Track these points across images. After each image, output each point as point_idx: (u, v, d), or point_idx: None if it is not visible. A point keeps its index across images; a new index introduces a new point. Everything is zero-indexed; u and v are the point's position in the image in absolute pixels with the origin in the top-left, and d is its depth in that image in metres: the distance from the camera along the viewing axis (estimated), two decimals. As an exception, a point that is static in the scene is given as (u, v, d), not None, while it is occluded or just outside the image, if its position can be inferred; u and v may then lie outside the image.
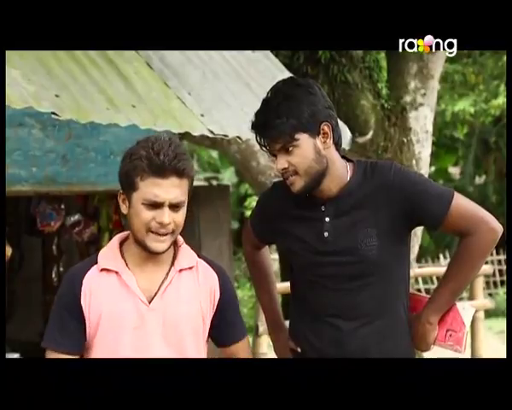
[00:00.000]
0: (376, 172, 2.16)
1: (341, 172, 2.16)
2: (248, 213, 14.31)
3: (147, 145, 1.89)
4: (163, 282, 1.94)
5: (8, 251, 4.29)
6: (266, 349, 5.58)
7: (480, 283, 7.41)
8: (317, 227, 2.15)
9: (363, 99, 5.26)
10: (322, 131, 2.11)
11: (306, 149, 2.10)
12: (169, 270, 1.95)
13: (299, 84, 2.14)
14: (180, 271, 1.96)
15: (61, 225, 4.48)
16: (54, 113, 2.85)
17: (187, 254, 1.99)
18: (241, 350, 2.04)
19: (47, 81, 3.00)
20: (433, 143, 6.35)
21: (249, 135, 3.75)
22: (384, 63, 5.69)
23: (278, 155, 2.11)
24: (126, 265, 1.94)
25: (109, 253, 1.97)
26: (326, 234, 2.14)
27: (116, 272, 1.93)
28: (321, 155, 2.11)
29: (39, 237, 4.88)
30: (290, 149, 2.09)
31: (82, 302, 1.92)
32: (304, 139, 2.09)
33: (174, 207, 1.89)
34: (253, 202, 13.66)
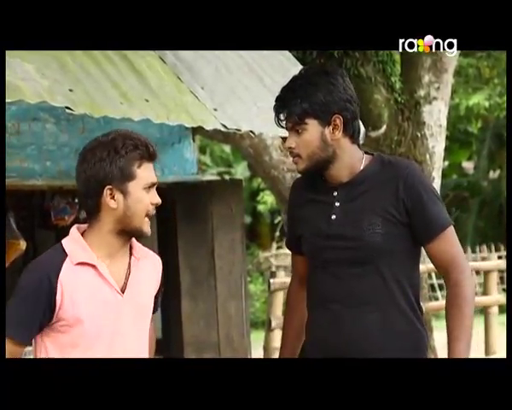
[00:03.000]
0: (392, 166, 2.20)
1: (354, 161, 2.19)
2: (261, 207, 14.33)
3: (130, 137, 1.99)
4: (128, 271, 2.03)
5: (23, 245, 4.32)
6: (279, 344, 5.58)
7: (494, 278, 7.38)
8: (326, 211, 2.19)
9: (377, 93, 5.24)
10: (333, 123, 2.14)
11: (313, 135, 2.15)
12: (129, 259, 2.04)
13: (325, 71, 2.20)
14: (138, 259, 2.06)
15: (75, 220, 4.50)
16: (68, 107, 2.86)
17: (137, 244, 2.09)
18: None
19: (61, 76, 3.01)
20: (447, 138, 6.32)
21: (262, 129, 3.76)
22: (398, 57, 5.66)
23: (289, 133, 2.19)
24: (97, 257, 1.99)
25: (78, 246, 1.99)
26: (333, 217, 2.17)
27: (92, 265, 1.97)
28: (327, 144, 2.15)
29: (53, 231, 4.90)
30: (300, 130, 2.16)
31: (57, 297, 1.93)
32: (312, 125, 2.14)
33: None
34: (265, 196, 13.65)
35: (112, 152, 1.97)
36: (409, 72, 5.44)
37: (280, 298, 5.69)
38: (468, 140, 14.51)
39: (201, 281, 4.67)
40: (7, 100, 2.70)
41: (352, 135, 2.19)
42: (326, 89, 2.14)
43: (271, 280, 5.68)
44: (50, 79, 2.97)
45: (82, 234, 2.02)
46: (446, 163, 13.44)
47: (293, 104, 2.14)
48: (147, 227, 2.00)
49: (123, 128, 2.07)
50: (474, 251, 12.46)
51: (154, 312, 2.15)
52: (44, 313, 1.94)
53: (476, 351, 6.88)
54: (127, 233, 2.00)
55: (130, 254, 2.05)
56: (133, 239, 2.06)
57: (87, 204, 2.01)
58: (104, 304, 1.97)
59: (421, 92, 5.38)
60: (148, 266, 2.09)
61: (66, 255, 1.97)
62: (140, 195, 1.98)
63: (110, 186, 1.96)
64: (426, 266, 4.41)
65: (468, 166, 15.62)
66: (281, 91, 2.20)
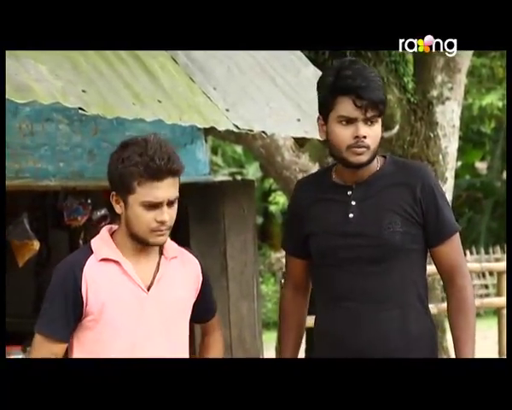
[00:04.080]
0: (408, 167, 2.23)
1: (374, 162, 2.21)
2: (273, 207, 14.33)
3: (139, 150, 1.94)
4: (157, 271, 2.02)
5: (36, 245, 4.34)
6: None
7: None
8: (343, 209, 2.18)
9: (389, 93, 5.22)
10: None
11: (380, 128, 2.17)
12: (159, 259, 2.03)
13: None
14: (169, 260, 2.04)
15: (88, 220, 4.51)
16: (81, 108, 2.87)
17: (172, 244, 2.08)
18: (216, 321, 2.20)
19: (74, 77, 3.03)
20: (460, 138, 6.29)
21: (274, 130, 3.76)
22: (410, 57, 5.64)
23: (360, 122, 2.12)
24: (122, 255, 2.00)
25: (104, 243, 2.01)
26: (351, 215, 2.17)
27: (116, 262, 1.98)
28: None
29: (66, 232, 4.92)
30: (373, 122, 2.14)
31: (83, 292, 1.96)
32: (380, 119, 2.16)
33: (170, 203, 1.97)
34: (277, 196, 13.65)
35: (119, 160, 1.96)
36: (421, 72, 5.42)
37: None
38: (481, 140, 14.43)
39: (213, 281, 4.66)
40: (21, 101, 2.72)
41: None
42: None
43: (283, 281, 5.66)
44: (63, 79, 2.98)
45: (112, 234, 2.03)
46: (459, 163, 13.36)
47: (381, 94, 2.13)
48: (155, 239, 1.96)
49: (156, 133, 2.00)
50: (487, 252, 12.39)
51: (208, 316, 2.13)
52: (74, 308, 1.96)
53: (490, 352, 6.84)
54: (136, 239, 1.99)
55: (161, 253, 2.04)
56: (163, 244, 2.03)
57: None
58: (127, 300, 1.97)
59: (434, 92, 5.36)
60: (182, 268, 2.07)
61: (92, 252, 2.00)
62: (138, 211, 1.95)
63: (114, 192, 1.99)
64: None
65: (482, 166, 15.54)
66: (357, 78, 2.11)
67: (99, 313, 1.96)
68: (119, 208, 1.99)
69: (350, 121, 2.12)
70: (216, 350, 2.16)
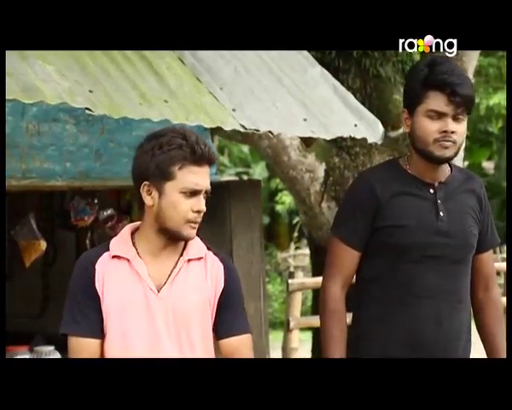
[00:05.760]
0: (470, 176, 2.33)
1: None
2: (279, 207, 14.32)
3: (180, 135, 1.90)
4: (172, 271, 1.95)
5: (43, 245, 4.35)
6: (297, 344, 5.57)
7: (514, 279, 7.30)
8: (432, 207, 2.21)
9: (396, 93, 5.20)
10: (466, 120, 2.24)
11: (465, 126, 2.22)
12: (178, 260, 1.96)
13: None
14: (189, 261, 1.97)
15: (95, 220, 4.52)
16: (87, 108, 2.87)
17: (196, 244, 2.00)
18: (240, 346, 1.98)
19: (81, 77, 3.03)
20: (467, 138, 6.27)
21: (281, 129, 3.75)
22: (417, 57, 5.62)
23: (449, 117, 2.16)
24: (138, 253, 1.95)
25: (121, 241, 1.99)
26: (441, 214, 2.21)
27: (127, 260, 1.95)
28: None
29: (73, 232, 4.93)
30: (462, 119, 2.18)
31: (96, 286, 1.94)
32: (466, 118, 2.21)
33: (206, 194, 1.93)
34: (284, 196, 13.63)
35: (156, 147, 1.90)
36: (428, 71, 5.40)
37: (298, 299, 5.68)
38: (488, 140, 14.40)
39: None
40: (28, 101, 2.72)
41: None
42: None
43: (290, 281, 5.67)
44: (70, 80, 2.98)
45: (134, 231, 1.99)
46: (466, 163, 13.33)
47: (473, 93, 2.20)
48: (188, 231, 1.90)
49: (182, 125, 1.99)
50: (494, 252, 12.35)
51: (227, 331, 1.95)
52: (95, 303, 1.92)
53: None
54: (166, 233, 1.93)
55: (182, 254, 1.97)
56: (192, 239, 1.97)
57: (138, 198, 1.98)
58: (136, 300, 1.93)
59: (441, 92, 5.34)
60: (204, 270, 1.98)
61: (109, 249, 1.98)
62: (176, 199, 1.89)
63: (147, 182, 1.93)
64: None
65: (489, 166, 15.50)
66: (453, 75, 2.17)
67: (107, 309, 1.94)
68: (149, 200, 1.92)
69: (440, 116, 2.15)
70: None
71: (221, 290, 2.00)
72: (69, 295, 1.98)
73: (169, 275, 1.95)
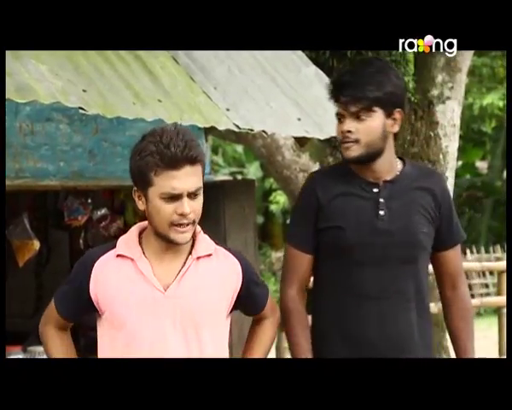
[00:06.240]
0: (427, 173, 2.31)
1: (392, 160, 2.25)
2: (273, 207, 14.33)
3: (155, 139, 1.88)
4: (180, 270, 1.93)
5: (36, 245, 4.34)
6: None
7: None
8: (373, 206, 2.19)
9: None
10: (393, 116, 2.20)
11: (377, 123, 2.18)
12: (186, 258, 1.95)
13: (391, 67, 2.30)
14: (198, 258, 1.95)
15: (88, 220, 4.51)
16: (81, 108, 2.87)
17: (204, 241, 1.99)
18: (268, 307, 2.11)
19: (74, 76, 3.03)
20: (461, 137, 6.29)
21: (274, 129, 3.75)
22: (411, 56, 5.64)
23: (348, 117, 2.18)
24: (143, 253, 1.95)
25: (128, 240, 1.98)
26: (382, 213, 2.19)
27: (131, 259, 1.94)
28: (385, 136, 2.20)
29: (66, 231, 4.92)
30: (363, 117, 2.16)
31: (90, 284, 1.95)
32: (378, 114, 2.18)
33: (192, 195, 1.90)
34: (278, 196, 13.64)
35: (136, 153, 1.90)
36: (422, 71, 5.42)
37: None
38: (481, 140, 14.44)
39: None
40: (21, 100, 2.72)
41: (397, 134, 2.25)
42: (395, 82, 2.20)
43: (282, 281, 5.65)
44: (64, 79, 2.98)
45: (143, 231, 1.99)
46: (460, 163, 13.36)
47: (366, 89, 2.15)
48: (175, 235, 1.88)
49: (176, 123, 1.98)
50: (487, 251, 12.39)
51: (256, 310, 2.05)
52: (82, 296, 1.97)
53: (490, 351, 6.83)
54: (159, 237, 1.92)
55: (190, 252, 1.95)
56: (198, 237, 1.96)
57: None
58: (141, 300, 1.91)
59: (435, 92, 5.35)
60: (216, 267, 1.96)
61: (115, 247, 1.98)
62: (157, 204, 1.88)
63: (135, 188, 1.94)
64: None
65: (482, 165, 15.54)
66: (345, 76, 2.20)
67: (110, 309, 1.93)
68: (141, 204, 1.93)
69: (339, 119, 2.20)
70: (263, 338, 2.08)
71: (241, 283, 2.00)
72: (67, 278, 2.03)
73: (177, 274, 1.93)
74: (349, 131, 2.16)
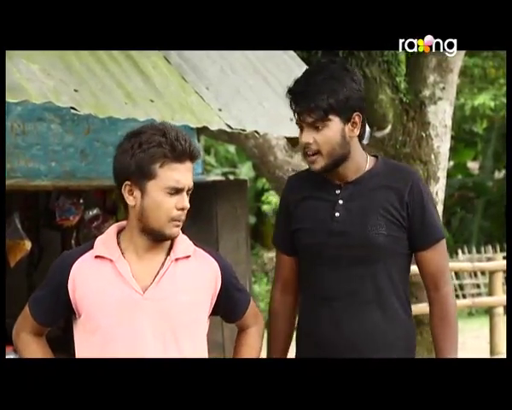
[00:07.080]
0: (397, 170, 2.23)
1: (360, 161, 2.21)
2: (266, 207, 14.32)
3: (159, 132, 1.87)
4: (159, 271, 1.91)
5: (28, 245, 4.33)
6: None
7: (499, 278, 7.36)
8: (329, 208, 2.19)
9: (382, 93, 5.23)
10: (352, 120, 2.16)
11: (335, 131, 2.14)
12: (165, 259, 1.93)
13: (346, 68, 2.20)
14: (176, 260, 1.93)
15: (80, 220, 4.51)
16: (73, 108, 2.86)
17: (183, 242, 1.96)
18: (249, 318, 2.09)
19: (66, 76, 3.02)
20: (452, 138, 6.31)
21: (267, 129, 3.75)
22: (403, 57, 5.65)
23: (306, 128, 2.16)
24: (122, 254, 1.92)
25: (106, 240, 1.95)
26: (337, 214, 2.18)
27: (110, 260, 1.91)
28: (345, 142, 2.16)
29: (58, 232, 4.91)
30: (320, 127, 2.13)
31: (69, 286, 1.92)
32: (335, 122, 2.14)
33: (188, 191, 1.90)
34: (270, 196, 13.65)
35: (136, 145, 1.87)
36: (414, 72, 5.43)
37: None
38: (473, 140, 14.47)
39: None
40: (13, 100, 2.71)
41: (362, 135, 2.22)
42: (350, 86, 2.14)
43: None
44: (56, 79, 2.97)
45: (121, 230, 1.96)
46: (451, 163, 13.40)
47: (319, 99, 2.10)
48: (171, 230, 1.87)
49: (164, 121, 1.95)
50: (479, 251, 12.42)
51: (235, 316, 2.03)
52: (59, 300, 1.93)
53: (482, 351, 6.86)
54: (150, 233, 1.89)
55: (168, 253, 1.93)
56: (176, 238, 1.93)
57: (121, 198, 1.93)
58: (119, 301, 1.89)
59: (427, 92, 5.36)
60: (194, 269, 1.94)
61: (92, 248, 1.94)
62: (159, 197, 1.85)
63: (128, 182, 1.88)
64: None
65: (474, 166, 15.58)
66: (299, 85, 2.15)
67: (86, 312, 1.91)
68: (131, 200, 1.88)
69: (301, 128, 2.16)
70: (248, 348, 2.06)
71: (220, 286, 1.98)
72: (44, 282, 1.99)
73: (156, 275, 1.91)
74: (308, 143, 2.14)
